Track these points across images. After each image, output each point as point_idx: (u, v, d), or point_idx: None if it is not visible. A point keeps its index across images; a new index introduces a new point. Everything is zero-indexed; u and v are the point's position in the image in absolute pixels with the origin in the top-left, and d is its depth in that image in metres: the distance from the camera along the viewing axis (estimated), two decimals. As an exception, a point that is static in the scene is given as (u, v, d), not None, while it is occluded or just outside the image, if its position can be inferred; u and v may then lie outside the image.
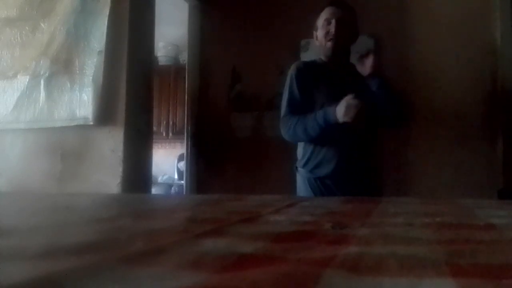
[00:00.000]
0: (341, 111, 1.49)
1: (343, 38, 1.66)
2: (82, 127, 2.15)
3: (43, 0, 2.30)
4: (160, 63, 4.39)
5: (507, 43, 2.71)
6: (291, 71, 1.70)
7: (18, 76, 2.30)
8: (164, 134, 4.37)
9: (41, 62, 2.25)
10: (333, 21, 1.64)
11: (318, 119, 1.55)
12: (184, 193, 3.50)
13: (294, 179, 1.75)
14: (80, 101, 2.15)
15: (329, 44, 1.66)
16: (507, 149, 2.64)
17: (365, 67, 1.68)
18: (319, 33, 1.70)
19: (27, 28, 2.32)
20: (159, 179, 4.48)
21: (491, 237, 0.42)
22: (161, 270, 0.27)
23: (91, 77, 2.14)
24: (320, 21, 1.69)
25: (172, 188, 4.40)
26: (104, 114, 2.12)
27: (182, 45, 3.98)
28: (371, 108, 1.53)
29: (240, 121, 3.21)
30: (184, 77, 3.52)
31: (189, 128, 3.36)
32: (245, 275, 0.26)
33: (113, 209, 0.85)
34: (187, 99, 3.41)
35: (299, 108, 1.64)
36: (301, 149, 1.72)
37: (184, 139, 3.45)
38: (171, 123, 4.36)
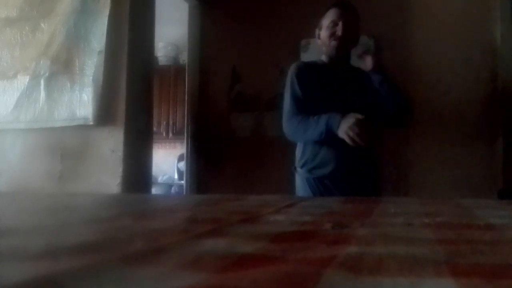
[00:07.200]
0: (343, 127, 1.44)
1: (348, 40, 1.67)
2: (82, 127, 2.15)
3: (43, 0, 2.29)
4: (160, 63, 4.39)
5: (507, 43, 2.71)
6: (292, 71, 1.69)
7: (18, 76, 2.30)
8: (164, 134, 4.37)
9: (41, 62, 2.25)
10: (340, 23, 1.64)
11: (320, 125, 1.52)
12: (184, 193, 3.50)
13: (294, 179, 1.75)
14: (80, 101, 2.15)
15: (333, 43, 1.66)
16: (507, 149, 2.64)
17: (366, 64, 1.70)
18: (323, 33, 1.70)
19: (27, 28, 2.32)
20: (159, 179, 4.48)
21: (491, 237, 0.42)
22: (161, 270, 0.27)
23: (91, 77, 2.14)
24: (326, 22, 1.68)
25: (172, 188, 4.40)
26: (104, 114, 2.12)
27: (182, 45, 3.99)
28: (376, 126, 1.52)
29: (240, 121, 3.21)
30: (184, 77, 3.52)
31: (189, 128, 3.36)
32: (245, 275, 0.26)
33: (113, 209, 0.85)
34: (187, 99, 3.41)
35: (303, 105, 1.63)
36: (300, 150, 1.71)
37: (184, 139, 3.45)
38: (171, 123, 4.36)
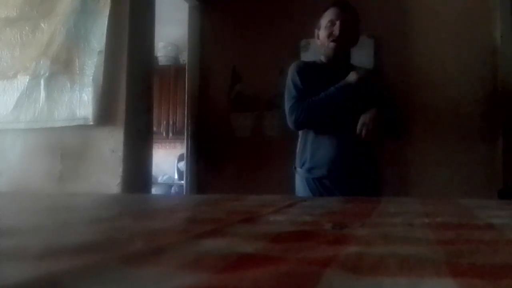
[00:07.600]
0: (352, 75, 1.59)
1: (346, 40, 1.66)
2: (82, 127, 2.15)
3: (43, 0, 2.29)
4: (160, 63, 4.39)
5: (507, 43, 2.71)
6: (292, 69, 1.70)
7: (18, 76, 2.30)
8: (164, 134, 4.37)
9: (41, 62, 2.25)
10: (338, 23, 1.64)
11: (331, 93, 1.58)
12: (184, 193, 3.50)
13: (294, 179, 1.75)
14: (80, 101, 2.15)
15: (331, 44, 1.66)
16: (507, 149, 2.64)
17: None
18: (322, 33, 1.70)
19: (27, 28, 2.32)
20: (159, 179, 4.48)
21: (491, 237, 0.42)
22: (161, 270, 0.27)
23: (91, 77, 2.14)
24: (324, 21, 1.68)
25: (172, 188, 4.40)
26: (104, 114, 2.12)
27: (182, 45, 3.99)
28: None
29: (240, 121, 3.21)
30: (184, 77, 3.52)
31: (189, 128, 3.36)
32: (245, 275, 0.26)
33: (113, 209, 0.85)
34: (187, 99, 3.41)
35: (306, 97, 1.63)
36: (300, 148, 1.72)
37: (184, 139, 3.45)
38: (171, 123, 4.36)
